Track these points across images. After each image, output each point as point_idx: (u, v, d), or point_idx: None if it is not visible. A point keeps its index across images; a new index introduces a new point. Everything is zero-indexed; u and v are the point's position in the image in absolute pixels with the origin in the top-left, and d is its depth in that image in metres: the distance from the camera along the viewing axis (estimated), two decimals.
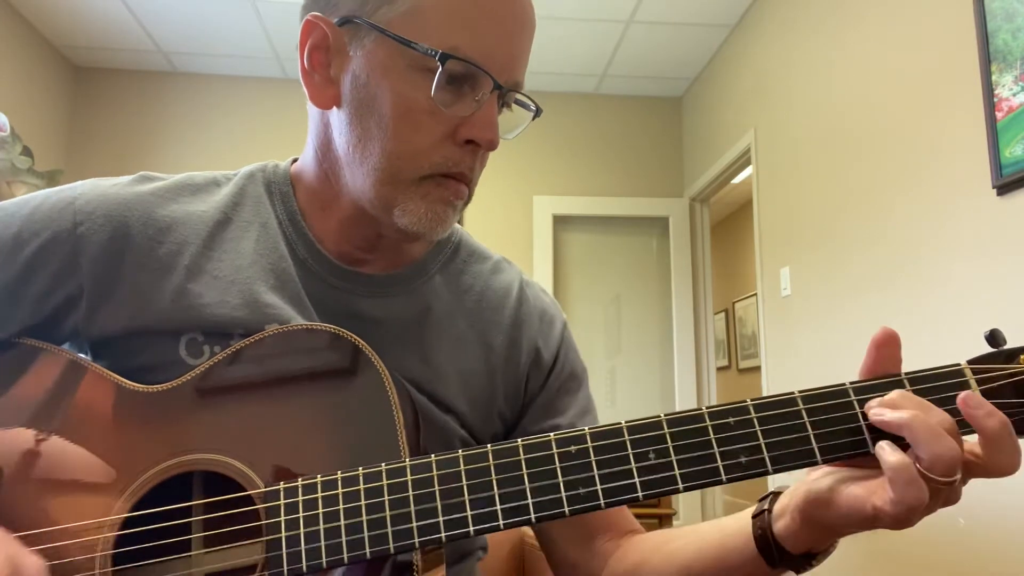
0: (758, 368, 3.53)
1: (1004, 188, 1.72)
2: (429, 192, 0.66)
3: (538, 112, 0.72)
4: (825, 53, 2.63)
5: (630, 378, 3.92)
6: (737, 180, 3.85)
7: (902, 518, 0.49)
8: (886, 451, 0.50)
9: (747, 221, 4.22)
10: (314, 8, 0.69)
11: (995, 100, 1.75)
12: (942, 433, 0.49)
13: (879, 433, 0.52)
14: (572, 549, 0.76)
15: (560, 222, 4.01)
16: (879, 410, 0.52)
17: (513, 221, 3.95)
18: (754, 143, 3.19)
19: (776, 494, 0.60)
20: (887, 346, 0.55)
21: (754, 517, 0.60)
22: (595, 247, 4.06)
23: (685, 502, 3.71)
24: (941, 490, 0.49)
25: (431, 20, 0.63)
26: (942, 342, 1.92)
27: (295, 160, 0.78)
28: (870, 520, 0.51)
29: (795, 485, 0.57)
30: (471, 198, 0.70)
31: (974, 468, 0.50)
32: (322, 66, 0.68)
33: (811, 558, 0.58)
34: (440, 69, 0.62)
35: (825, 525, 0.54)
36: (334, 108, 0.69)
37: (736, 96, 3.45)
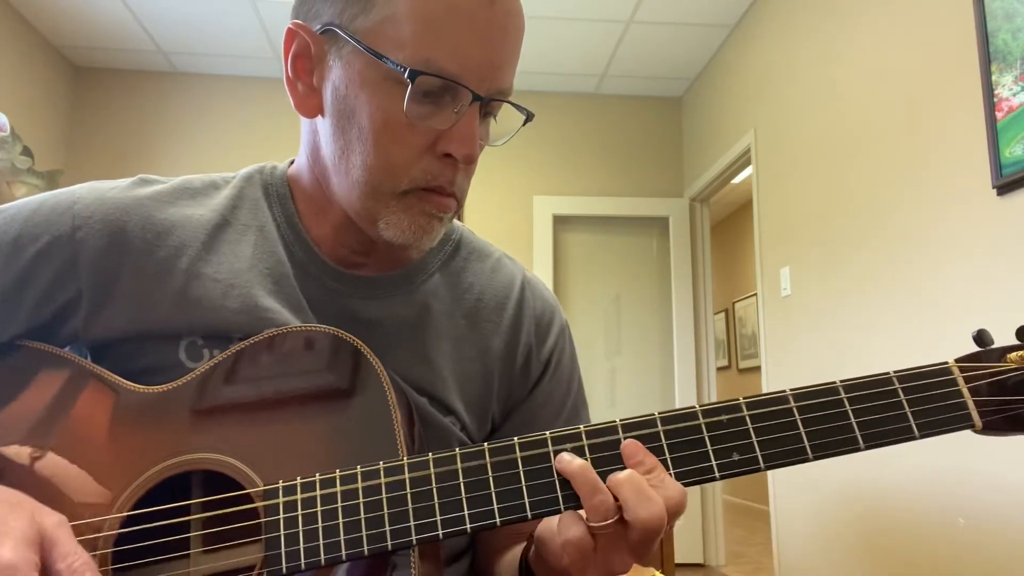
0: (758, 368, 3.53)
1: (1004, 188, 1.72)
2: (411, 206, 0.65)
3: (529, 117, 0.70)
4: (825, 53, 2.63)
5: (630, 378, 3.92)
6: (737, 180, 3.85)
7: (574, 563, 0.53)
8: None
9: (747, 221, 4.23)
10: (297, 15, 0.68)
11: (995, 100, 1.75)
12: (599, 487, 0.53)
13: (871, 438, 0.54)
14: (486, 557, 0.77)
15: (560, 222, 4.01)
16: (560, 458, 0.56)
17: (513, 221, 3.95)
18: (754, 143, 3.20)
19: None
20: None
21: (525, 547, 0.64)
22: (595, 247, 4.06)
23: None
24: (606, 536, 0.53)
25: (405, 30, 0.61)
26: (942, 342, 1.92)
27: (293, 161, 0.78)
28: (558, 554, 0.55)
29: None
30: (460, 208, 0.69)
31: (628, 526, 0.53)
32: (305, 74, 0.68)
33: None
34: (410, 85, 0.61)
35: (547, 562, 0.58)
36: (319, 117, 0.68)
37: (736, 96, 3.46)
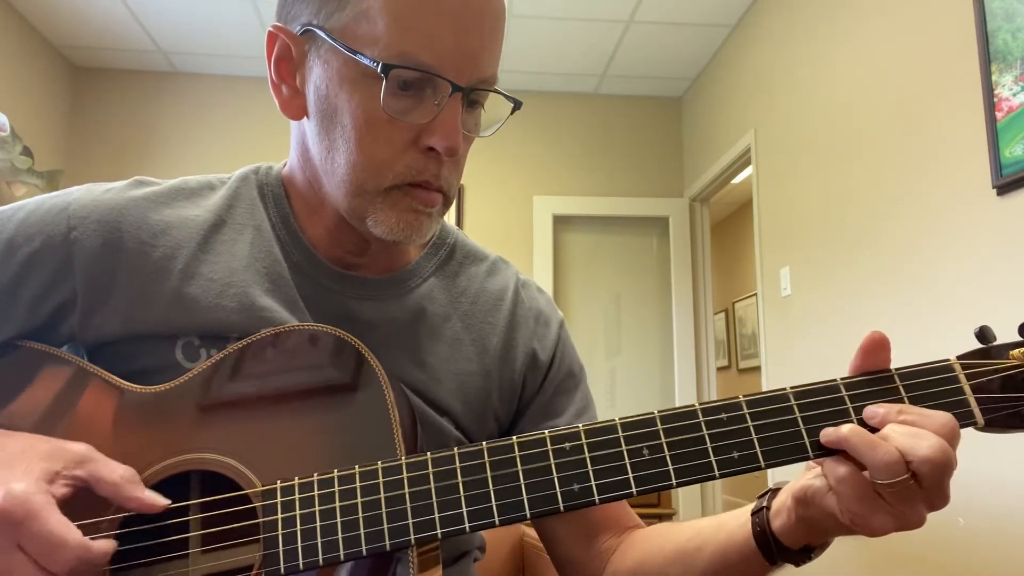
0: (758, 368, 3.53)
1: (1004, 188, 1.72)
2: (398, 202, 0.65)
3: (517, 105, 0.69)
4: (825, 53, 2.63)
5: (630, 378, 3.92)
6: (737, 180, 3.85)
7: (858, 523, 0.51)
8: (827, 462, 0.53)
9: (747, 221, 4.22)
10: (278, 18, 0.68)
11: (995, 100, 1.75)
12: (877, 442, 0.50)
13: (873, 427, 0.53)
14: (574, 547, 0.76)
15: (560, 222, 4.01)
16: (825, 432, 0.54)
17: (513, 221, 3.95)
18: (754, 143, 3.19)
19: (775, 491, 0.60)
20: (876, 352, 0.56)
21: (753, 514, 0.61)
22: (595, 247, 4.06)
23: (685, 501, 3.71)
24: (895, 496, 0.50)
25: (379, 25, 0.60)
26: (942, 341, 1.92)
27: (287, 162, 0.78)
28: (847, 528, 0.53)
29: (792, 482, 0.58)
30: (449, 202, 0.69)
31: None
32: (288, 76, 0.68)
33: (809, 552, 0.58)
34: (385, 80, 0.60)
35: (814, 525, 0.56)
36: (304, 118, 0.68)
37: (736, 96, 3.45)
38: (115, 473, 0.55)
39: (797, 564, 0.59)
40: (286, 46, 0.67)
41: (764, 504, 0.60)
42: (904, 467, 0.49)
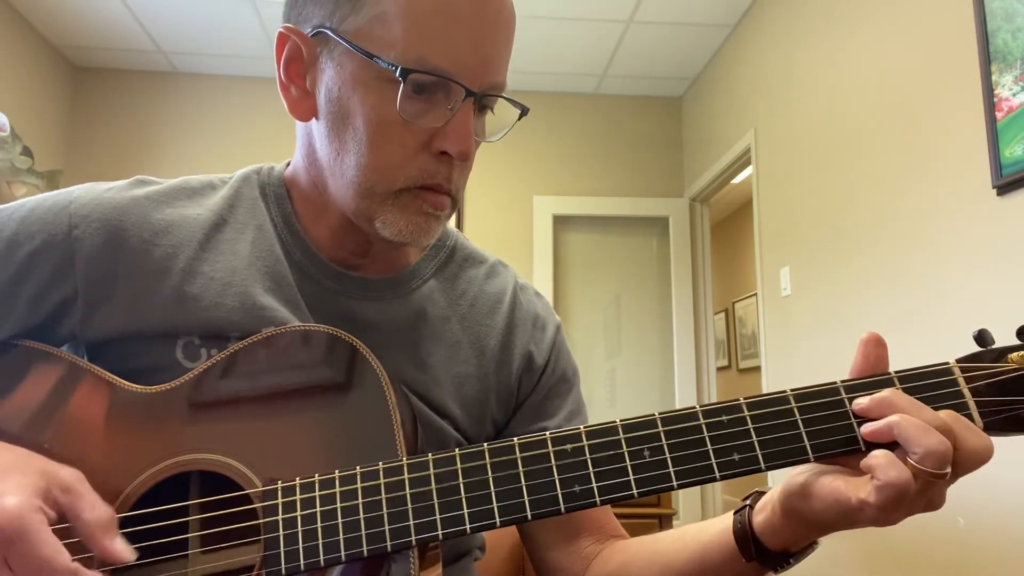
0: (758, 368, 3.53)
1: (1004, 188, 1.72)
2: (407, 204, 0.65)
3: (524, 112, 0.70)
4: (825, 53, 2.63)
5: (630, 378, 3.92)
6: (737, 180, 3.85)
7: (886, 508, 0.49)
8: (880, 455, 0.51)
9: (747, 221, 4.23)
10: (288, 19, 0.68)
11: (995, 100, 1.75)
12: (931, 428, 0.49)
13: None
14: (555, 551, 0.76)
15: (560, 222, 4.01)
16: (869, 424, 0.52)
17: (513, 221, 3.95)
18: (754, 143, 3.19)
19: (761, 493, 0.60)
20: (875, 345, 0.56)
21: (736, 512, 0.61)
22: (595, 247, 4.06)
23: (685, 502, 3.71)
24: (928, 486, 0.49)
25: (395, 29, 0.61)
26: (941, 342, 1.92)
27: (289, 163, 0.78)
28: (853, 512, 0.51)
29: (780, 482, 0.58)
30: (456, 206, 0.69)
31: (956, 464, 0.50)
32: (298, 78, 0.68)
33: (788, 557, 0.58)
34: (402, 84, 0.61)
35: (805, 518, 0.55)
36: (313, 120, 0.68)
37: (736, 96, 3.46)
38: (90, 514, 0.53)
39: (776, 571, 0.59)
40: (296, 47, 0.67)
41: (748, 503, 0.60)
42: (951, 457, 0.49)
